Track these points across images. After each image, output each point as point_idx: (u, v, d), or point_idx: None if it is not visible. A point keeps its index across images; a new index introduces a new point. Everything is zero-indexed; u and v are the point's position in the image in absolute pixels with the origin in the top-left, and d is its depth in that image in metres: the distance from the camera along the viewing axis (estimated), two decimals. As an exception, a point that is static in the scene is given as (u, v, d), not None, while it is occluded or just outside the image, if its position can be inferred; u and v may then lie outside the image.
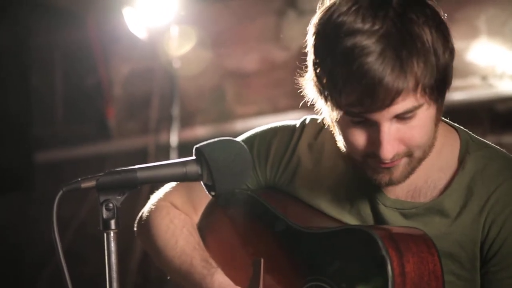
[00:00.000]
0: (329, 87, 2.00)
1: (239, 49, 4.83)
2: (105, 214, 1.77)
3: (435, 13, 2.00)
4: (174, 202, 2.46)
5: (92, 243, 3.48)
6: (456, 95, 3.77)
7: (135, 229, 2.51)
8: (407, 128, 2.00)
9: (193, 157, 1.84)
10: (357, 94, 1.95)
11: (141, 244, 2.54)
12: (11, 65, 4.95)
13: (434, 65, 1.95)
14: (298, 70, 2.13)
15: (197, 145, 1.84)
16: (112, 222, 1.77)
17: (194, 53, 4.71)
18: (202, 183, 1.85)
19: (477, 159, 2.13)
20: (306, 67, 2.10)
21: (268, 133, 2.37)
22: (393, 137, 2.00)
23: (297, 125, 2.35)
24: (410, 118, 1.99)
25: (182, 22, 4.50)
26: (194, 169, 1.82)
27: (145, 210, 2.48)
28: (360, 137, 2.04)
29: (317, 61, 2.02)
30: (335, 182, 2.26)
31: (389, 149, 2.00)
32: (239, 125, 4.68)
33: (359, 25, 1.94)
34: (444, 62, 1.97)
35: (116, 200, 1.78)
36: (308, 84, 2.09)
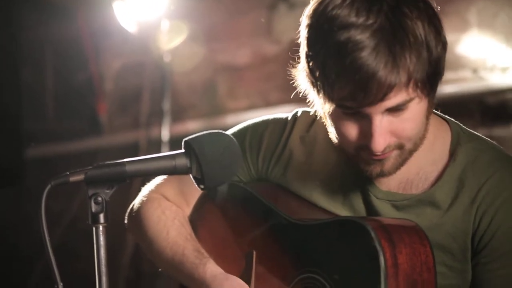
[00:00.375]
0: (321, 80, 2.00)
1: (231, 44, 4.83)
2: (94, 208, 1.77)
3: (428, 6, 2.01)
4: (165, 194, 2.46)
5: (83, 238, 3.48)
6: (446, 88, 3.77)
7: (126, 221, 2.50)
8: (399, 120, 2.02)
9: (182, 150, 1.84)
10: (349, 89, 1.96)
11: (132, 236, 2.55)
12: (1, 60, 4.93)
13: (427, 59, 1.96)
14: (290, 63, 2.13)
15: (186, 138, 1.84)
16: (101, 216, 1.77)
17: (185, 48, 4.71)
18: (191, 176, 1.85)
19: (468, 151, 2.15)
20: (298, 59, 2.10)
21: (260, 126, 2.38)
22: (385, 130, 2.01)
23: (289, 118, 2.35)
24: (401, 111, 2.00)
25: (173, 17, 4.49)
26: (183, 162, 1.82)
27: (136, 202, 2.48)
28: (352, 130, 2.05)
29: (310, 53, 2.03)
30: (327, 174, 2.27)
31: (381, 141, 2.01)
32: (230, 119, 4.68)
33: (353, 19, 1.95)
34: (436, 56, 1.98)
35: (105, 193, 1.78)
36: (301, 75, 2.10)
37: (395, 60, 1.92)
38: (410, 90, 1.96)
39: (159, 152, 4.75)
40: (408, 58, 1.93)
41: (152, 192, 2.47)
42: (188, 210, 2.47)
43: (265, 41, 4.61)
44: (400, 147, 2.06)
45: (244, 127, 2.38)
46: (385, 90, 1.93)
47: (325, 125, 2.17)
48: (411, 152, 2.09)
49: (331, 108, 2.04)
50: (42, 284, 5.18)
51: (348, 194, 2.24)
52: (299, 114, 2.35)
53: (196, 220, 2.46)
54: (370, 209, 2.21)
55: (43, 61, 5.52)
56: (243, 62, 4.72)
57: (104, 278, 1.76)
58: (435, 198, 2.14)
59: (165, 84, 4.62)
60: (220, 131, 1.88)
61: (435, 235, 2.12)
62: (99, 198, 1.77)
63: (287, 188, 2.33)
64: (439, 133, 2.20)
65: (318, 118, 2.27)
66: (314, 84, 2.05)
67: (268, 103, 4.42)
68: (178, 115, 4.84)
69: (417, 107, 2.02)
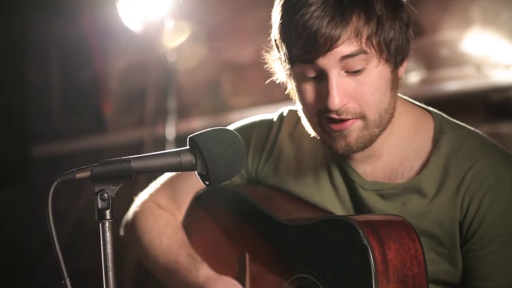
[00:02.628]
0: (282, 42, 2.11)
1: (234, 42, 4.83)
2: (100, 204, 1.78)
3: None
4: (158, 201, 2.48)
5: (88, 238, 3.49)
6: (450, 85, 3.77)
7: (121, 232, 2.53)
8: (357, 83, 2.06)
9: (187, 147, 1.85)
10: (302, 42, 2.04)
11: (129, 246, 2.57)
12: (7, 59, 4.95)
13: (377, 17, 2.04)
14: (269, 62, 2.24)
15: (191, 135, 1.85)
16: (107, 212, 1.78)
17: (190, 46, 4.71)
18: (196, 172, 1.86)
19: (451, 140, 2.17)
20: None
21: (247, 128, 2.41)
22: (342, 89, 2.06)
23: (275, 118, 2.39)
24: (359, 73, 2.06)
25: (178, 15, 4.50)
26: (188, 158, 1.83)
27: (130, 212, 2.51)
28: (312, 93, 2.11)
29: (275, 22, 2.13)
30: (315, 169, 2.30)
31: (337, 98, 2.05)
32: (235, 116, 4.68)
33: None
34: (390, 17, 2.06)
35: (111, 190, 1.79)
36: (274, 60, 2.21)
37: (342, 13, 2.01)
38: (363, 44, 2.03)
39: (164, 150, 4.76)
40: (357, 12, 2.02)
41: (145, 201, 2.50)
42: (181, 216, 2.49)
43: (269, 39, 4.61)
44: (361, 116, 2.09)
45: (232, 129, 2.41)
46: (331, 41, 2.01)
47: (295, 101, 2.22)
48: (377, 126, 2.12)
49: (293, 68, 2.11)
50: (47, 281, 5.20)
51: (335, 187, 2.27)
52: (285, 113, 2.39)
53: (189, 225, 2.49)
54: (357, 200, 2.23)
55: (48, 60, 5.54)
56: (247, 60, 4.72)
57: (110, 274, 1.77)
58: (420, 186, 2.17)
59: (170, 82, 4.63)
60: (225, 127, 1.89)
61: (422, 223, 2.15)
62: (105, 195, 1.78)
63: (278, 186, 2.35)
64: (422, 122, 2.23)
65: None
66: (279, 50, 2.14)
67: (272, 101, 4.43)
68: (182, 113, 4.85)
69: (376, 71, 2.07)
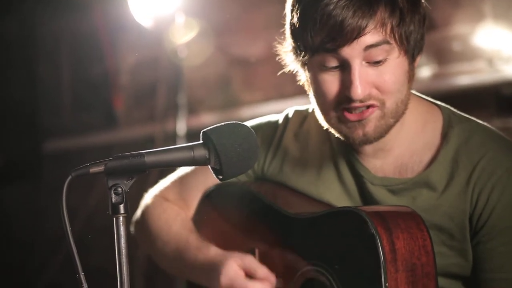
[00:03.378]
0: (302, 31, 2.09)
1: (245, 37, 4.83)
2: (114, 198, 1.77)
3: None
4: (166, 197, 2.50)
5: (100, 234, 3.50)
6: (462, 79, 3.76)
7: (131, 228, 2.53)
8: (379, 73, 2.07)
9: (201, 141, 1.85)
10: (327, 31, 2.04)
11: (138, 242, 2.57)
12: (18, 55, 4.97)
13: (399, 10, 2.06)
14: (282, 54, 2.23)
15: (205, 129, 1.85)
16: (121, 207, 1.77)
17: (200, 42, 4.71)
18: (209, 167, 1.85)
19: (460, 133, 2.18)
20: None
21: (253, 128, 2.40)
22: (364, 79, 2.07)
23: (280, 120, 2.40)
24: (381, 63, 2.07)
25: (188, 11, 4.50)
26: (202, 153, 1.83)
27: (139, 209, 2.52)
28: (332, 83, 2.11)
29: (292, 9, 2.12)
30: (322, 165, 2.30)
31: (360, 87, 2.06)
32: (245, 112, 4.69)
33: None
34: (411, 11, 2.08)
35: (125, 184, 1.78)
36: (286, 51, 2.20)
37: (369, 3, 2.02)
38: (387, 35, 2.05)
39: (175, 145, 4.75)
40: (382, 3, 2.04)
41: (154, 197, 2.51)
42: (190, 213, 2.50)
43: (279, 34, 4.61)
44: (381, 103, 2.10)
45: None
46: (358, 30, 2.02)
47: (309, 95, 2.21)
48: (393, 116, 2.13)
49: (313, 59, 2.11)
50: (58, 278, 5.21)
51: (344, 184, 2.27)
52: (290, 114, 2.40)
53: (198, 222, 2.49)
54: (366, 196, 2.24)
55: (59, 56, 5.55)
56: (257, 56, 4.72)
57: (124, 268, 1.77)
58: (430, 179, 2.17)
59: (180, 77, 4.63)
60: (238, 122, 1.88)
61: (433, 216, 2.15)
62: (119, 189, 1.78)
63: (285, 183, 2.36)
64: (430, 116, 2.23)
65: (310, 114, 2.31)
66: (295, 39, 2.13)
67: (283, 96, 4.43)
68: (193, 109, 4.85)
69: (396, 61, 2.08)
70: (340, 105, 2.11)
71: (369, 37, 2.05)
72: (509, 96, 3.79)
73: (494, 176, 2.12)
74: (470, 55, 3.80)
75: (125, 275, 1.77)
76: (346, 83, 2.08)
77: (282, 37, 2.21)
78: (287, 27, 2.17)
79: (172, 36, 4.54)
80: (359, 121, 2.10)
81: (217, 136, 1.82)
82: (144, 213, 2.50)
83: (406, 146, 2.20)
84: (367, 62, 2.07)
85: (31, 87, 5.07)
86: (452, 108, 2.26)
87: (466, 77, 3.80)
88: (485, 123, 2.25)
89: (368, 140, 2.14)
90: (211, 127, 1.85)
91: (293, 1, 2.14)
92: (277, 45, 2.23)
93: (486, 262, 2.13)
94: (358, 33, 2.03)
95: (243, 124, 1.88)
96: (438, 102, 2.27)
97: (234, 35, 4.89)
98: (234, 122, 1.87)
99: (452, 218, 2.15)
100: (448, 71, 3.87)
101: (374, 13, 2.03)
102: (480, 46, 3.80)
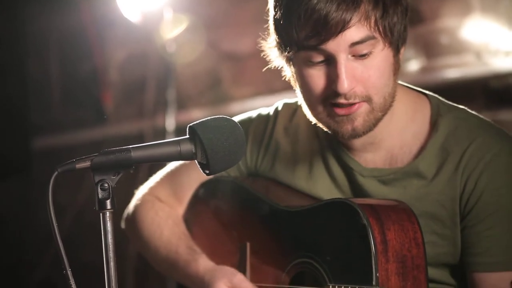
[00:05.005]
0: (286, 27, 2.08)
1: (233, 32, 4.82)
2: (100, 194, 1.77)
3: None
4: (158, 195, 2.49)
5: (89, 230, 3.49)
6: (450, 72, 3.77)
7: (122, 225, 2.53)
8: (364, 67, 2.07)
9: (187, 136, 1.85)
10: (312, 26, 2.03)
11: (130, 239, 2.58)
12: (7, 52, 4.94)
13: (382, 2, 2.05)
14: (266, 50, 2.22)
15: (191, 124, 1.85)
16: (108, 202, 1.77)
17: (188, 37, 4.70)
18: (196, 161, 1.85)
19: (449, 121, 2.19)
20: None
21: (244, 123, 2.41)
22: (350, 73, 2.06)
23: (271, 113, 2.40)
24: (366, 57, 2.07)
25: (176, 6, 4.49)
26: (188, 147, 1.83)
27: (131, 206, 2.52)
28: (318, 78, 2.10)
29: (275, 5, 2.11)
30: (313, 160, 2.31)
31: (346, 82, 2.06)
32: (235, 107, 4.68)
33: None
34: (394, 2, 2.07)
35: (111, 180, 1.78)
36: (271, 47, 2.19)
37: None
38: (372, 29, 2.04)
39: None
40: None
41: (145, 194, 2.50)
42: (182, 210, 2.50)
43: (268, 29, 4.60)
44: (368, 99, 2.10)
45: None
46: (343, 24, 2.01)
47: (295, 89, 2.21)
48: (381, 109, 2.13)
49: (298, 55, 2.10)
50: (49, 274, 5.20)
51: (334, 177, 2.28)
52: (280, 107, 2.40)
53: (190, 218, 2.50)
54: (357, 188, 2.24)
55: (47, 52, 5.53)
56: (246, 51, 4.72)
57: (111, 264, 1.77)
58: (419, 168, 2.18)
59: (169, 73, 4.63)
60: (225, 116, 1.88)
61: (424, 204, 2.16)
62: (106, 185, 1.78)
63: (277, 179, 2.36)
64: (418, 106, 2.24)
65: (299, 107, 2.31)
66: (279, 35, 2.11)
67: (272, 91, 4.43)
68: (182, 104, 4.84)
69: (381, 54, 2.08)
70: (327, 99, 2.11)
71: (354, 33, 2.04)
72: (497, 89, 3.80)
73: (482, 162, 2.14)
74: (458, 48, 3.80)
75: (112, 270, 1.77)
76: (332, 77, 2.08)
77: (266, 33, 2.20)
78: (271, 22, 2.16)
79: (160, 31, 4.53)
80: (347, 115, 2.10)
81: (203, 131, 1.82)
82: (135, 213, 2.50)
83: (396, 137, 2.21)
84: (353, 56, 2.07)
85: (20, 84, 5.05)
86: (440, 97, 2.27)
87: (454, 70, 3.80)
88: (473, 112, 2.25)
89: (357, 134, 2.14)
90: (198, 121, 1.85)
91: None
92: (261, 41, 2.22)
93: (473, 246, 2.15)
94: (343, 26, 2.02)
95: (230, 119, 1.88)
96: (426, 91, 2.28)
97: (222, 30, 4.88)
98: (221, 116, 1.87)
99: (443, 205, 2.16)
100: (436, 64, 3.87)
101: (358, 6, 2.03)
102: (468, 39, 3.80)
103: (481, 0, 3.79)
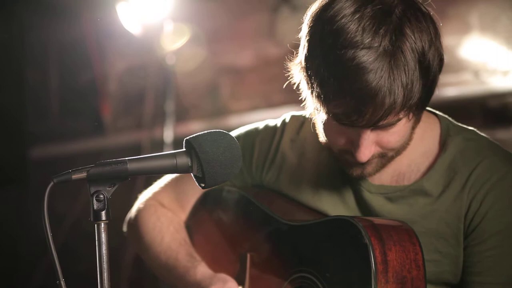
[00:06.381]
0: (318, 91, 2.01)
1: (233, 45, 4.84)
2: (95, 205, 1.78)
3: (430, 23, 2.02)
4: (161, 201, 2.49)
5: (85, 240, 3.49)
6: (448, 91, 3.78)
7: (124, 229, 2.54)
8: (386, 134, 2.07)
9: (183, 149, 1.85)
10: (345, 108, 1.98)
11: (131, 243, 2.58)
12: (6, 61, 4.95)
13: (423, 85, 1.99)
14: (290, 65, 2.15)
15: (187, 137, 1.85)
16: (103, 213, 1.78)
17: (189, 49, 4.72)
18: (192, 174, 1.86)
19: (458, 141, 2.20)
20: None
21: (251, 134, 2.41)
22: (371, 142, 2.07)
23: (278, 124, 2.40)
24: (390, 126, 2.05)
25: (177, 18, 4.51)
26: (184, 160, 1.83)
27: (133, 210, 2.52)
28: (340, 136, 2.10)
29: (310, 62, 2.03)
30: (319, 174, 2.30)
31: (366, 153, 2.07)
32: (233, 120, 4.69)
33: (358, 37, 1.95)
34: (433, 78, 2.02)
35: (107, 191, 1.79)
36: (297, 70, 2.11)
37: (392, 87, 1.94)
38: (402, 113, 2.01)
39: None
40: (406, 86, 1.95)
41: (148, 199, 2.51)
42: (184, 216, 2.50)
43: (268, 43, 4.62)
44: (382, 155, 2.12)
45: (237, 135, 2.42)
46: (379, 117, 1.97)
47: (314, 124, 2.20)
48: (393, 158, 2.15)
49: (324, 117, 2.07)
50: (45, 283, 5.19)
51: (341, 192, 2.28)
52: (287, 119, 2.40)
53: (192, 225, 2.50)
54: (363, 204, 2.24)
55: (47, 62, 5.54)
56: (245, 64, 4.73)
57: (105, 275, 1.77)
58: (425, 187, 2.19)
59: (168, 85, 4.64)
60: (221, 130, 1.89)
61: (429, 222, 2.17)
62: (101, 196, 1.78)
63: (282, 192, 2.36)
64: (429, 126, 2.24)
65: (307, 120, 2.31)
66: (311, 90, 2.05)
67: (271, 105, 4.44)
68: (181, 116, 4.85)
69: (406, 124, 2.08)
70: (345, 152, 2.11)
71: (384, 122, 2.01)
72: (495, 108, 3.81)
73: (488, 183, 2.14)
74: (457, 67, 3.81)
75: (105, 281, 1.77)
76: (353, 142, 2.07)
77: (296, 50, 2.11)
78: (303, 60, 2.06)
79: (161, 43, 4.54)
80: (361, 164, 2.12)
81: (199, 144, 1.83)
82: (138, 217, 2.50)
83: (404, 155, 2.21)
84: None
85: (18, 93, 5.06)
86: (449, 118, 2.27)
87: (453, 88, 3.81)
88: (482, 133, 2.26)
89: (364, 176, 2.17)
90: (194, 135, 1.85)
91: (315, 40, 2.02)
92: (289, 56, 2.14)
93: (475, 266, 2.15)
94: (376, 123, 1.99)
95: (226, 133, 1.88)
96: (435, 111, 2.28)
97: (223, 43, 4.89)
98: (217, 130, 1.87)
99: (448, 224, 2.17)
100: (434, 82, 3.87)
101: (398, 94, 1.95)
102: (467, 58, 3.82)
103: (480, 19, 3.81)
